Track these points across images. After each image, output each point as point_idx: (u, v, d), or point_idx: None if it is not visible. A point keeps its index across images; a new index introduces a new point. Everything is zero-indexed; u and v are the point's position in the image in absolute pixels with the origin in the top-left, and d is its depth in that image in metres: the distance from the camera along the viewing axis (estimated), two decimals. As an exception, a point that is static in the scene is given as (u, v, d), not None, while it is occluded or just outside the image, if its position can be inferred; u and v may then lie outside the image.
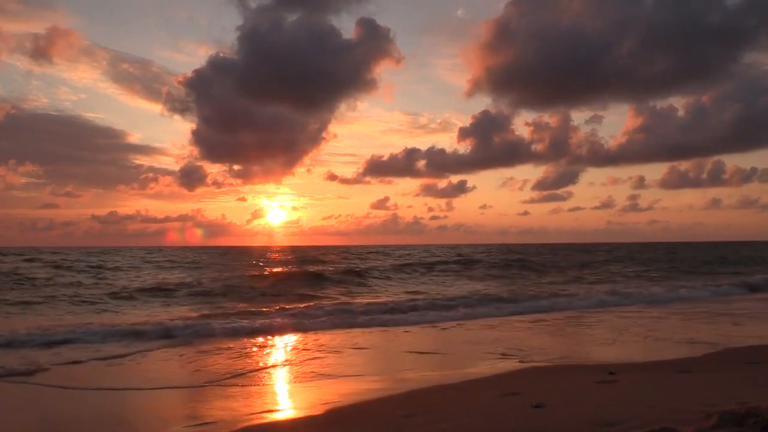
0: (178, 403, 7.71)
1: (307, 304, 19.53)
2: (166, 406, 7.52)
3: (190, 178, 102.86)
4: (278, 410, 7.25)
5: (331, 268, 37.10)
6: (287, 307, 18.76)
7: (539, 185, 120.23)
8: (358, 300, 21.82)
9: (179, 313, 17.85)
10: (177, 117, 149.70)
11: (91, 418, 7.04)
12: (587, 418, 5.56)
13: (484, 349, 11.67)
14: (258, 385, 8.71)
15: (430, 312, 17.59)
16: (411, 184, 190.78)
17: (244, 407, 7.27)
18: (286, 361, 10.83)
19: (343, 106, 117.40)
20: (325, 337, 13.36)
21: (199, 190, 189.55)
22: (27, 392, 8.42)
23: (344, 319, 16.02)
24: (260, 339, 13.32)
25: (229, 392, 8.13)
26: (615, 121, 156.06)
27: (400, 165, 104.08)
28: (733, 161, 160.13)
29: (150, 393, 8.20)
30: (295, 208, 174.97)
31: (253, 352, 11.72)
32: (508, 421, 5.73)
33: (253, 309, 18.48)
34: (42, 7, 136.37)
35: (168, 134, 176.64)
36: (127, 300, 21.38)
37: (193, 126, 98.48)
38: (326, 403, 7.37)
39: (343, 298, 22.66)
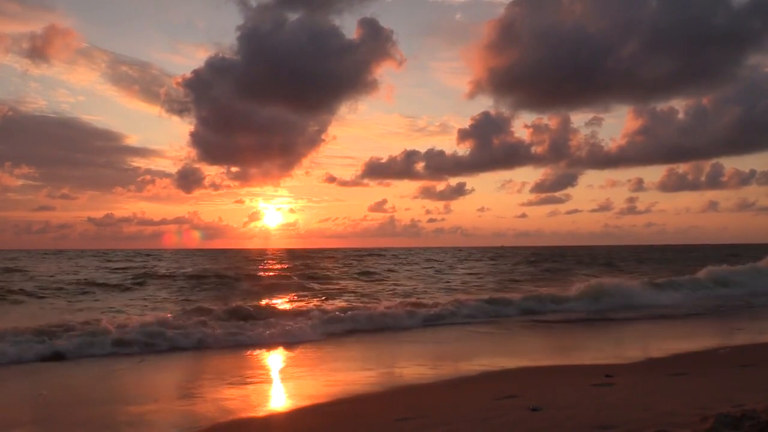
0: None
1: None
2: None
3: (188, 180, 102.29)
4: (272, 408, 7.27)
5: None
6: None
7: (537, 187, 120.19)
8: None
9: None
10: (175, 119, 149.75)
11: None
12: (584, 421, 5.55)
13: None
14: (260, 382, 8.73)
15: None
16: (409, 186, 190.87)
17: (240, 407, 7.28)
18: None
19: (343, 108, 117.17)
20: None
21: (197, 193, 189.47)
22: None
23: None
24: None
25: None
26: (616, 123, 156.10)
27: (399, 167, 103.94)
28: (732, 164, 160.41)
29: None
30: (292, 211, 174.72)
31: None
32: (505, 425, 5.71)
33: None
34: (40, 9, 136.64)
35: (166, 136, 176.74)
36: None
37: (191, 128, 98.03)
38: (319, 403, 7.38)
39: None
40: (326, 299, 21.74)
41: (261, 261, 61.03)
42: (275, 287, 26.70)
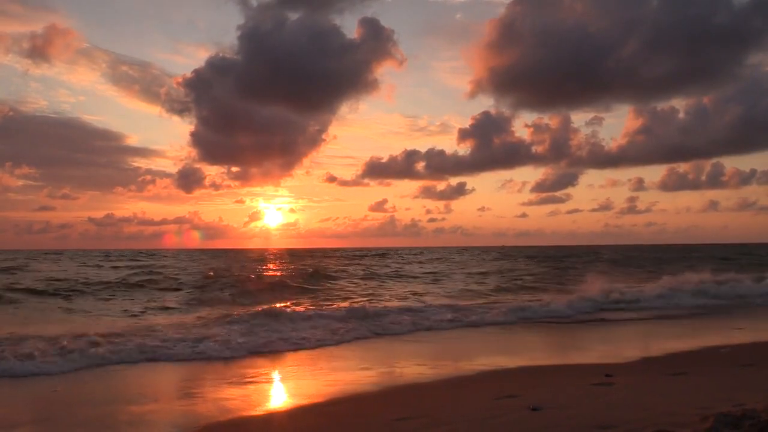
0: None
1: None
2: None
3: (188, 180, 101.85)
4: (272, 407, 7.30)
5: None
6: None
7: (538, 187, 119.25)
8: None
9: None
10: (176, 119, 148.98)
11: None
12: (584, 421, 5.55)
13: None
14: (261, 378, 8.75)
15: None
16: (410, 186, 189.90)
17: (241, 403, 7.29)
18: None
19: (344, 108, 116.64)
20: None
21: (197, 193, 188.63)
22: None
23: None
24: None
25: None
26: (617, 123, 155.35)
27: (399, 167, 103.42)
28: (732, 163, 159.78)
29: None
30: (292, 210, 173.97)
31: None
32: (505, 425, 5.71)
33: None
34: (40, 9, 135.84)
35: (166, 136, 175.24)
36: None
37: (192, 128, 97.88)
38: (319, 402, 7.39)
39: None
40: (368, 300, 21.32)
41: (266, 261, 59.71)
42: (290, 289, 25.66)
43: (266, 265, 49.14)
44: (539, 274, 36.42)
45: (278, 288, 25.45)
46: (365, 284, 29.15)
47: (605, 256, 63.27)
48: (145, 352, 11.11)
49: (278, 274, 34.99)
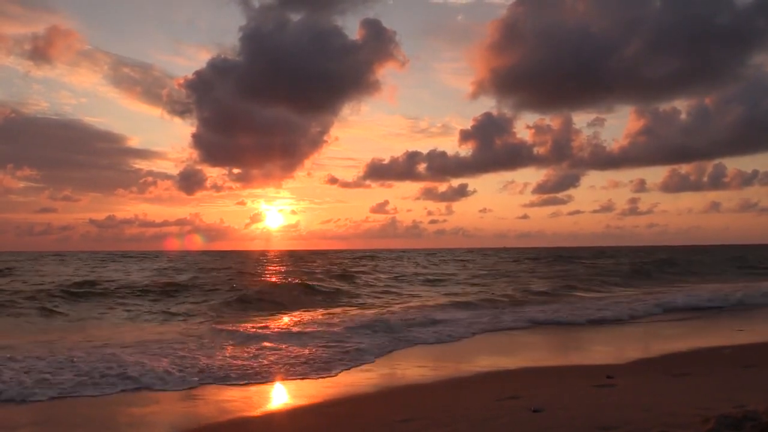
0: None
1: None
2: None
3: (189, 181, 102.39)
4: (272, 408, 7.29)
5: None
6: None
7: (540, 188, 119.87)
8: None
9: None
10: (177, 120, 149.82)
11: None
12: (586, 422, 5.54)
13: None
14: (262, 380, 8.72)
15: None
16: (411, 187, 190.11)
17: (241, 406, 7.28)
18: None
19: (345, 109, 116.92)
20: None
21: (198, 194, 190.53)
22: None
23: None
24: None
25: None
26: (619, 124, 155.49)
27: (401, 168, 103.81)
28: (734, 164, 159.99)
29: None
30: (294, 212, 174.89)
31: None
32: (506, 426, 5.70)
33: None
34: (42, 11, 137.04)
35: (168, 138, 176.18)
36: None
37: (193, 129, 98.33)
38: (319, 402, 7.38)
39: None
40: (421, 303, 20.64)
41: (277, 264, 57.17)
42: (320, 295, 23.60)
43: (282, 268, 46.73)
44: (583, 274, 35.06)
45: (306, 293, 23.72)
46: (400, 288, 27.71)
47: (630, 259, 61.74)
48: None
49: (303, 278, 30.35)
